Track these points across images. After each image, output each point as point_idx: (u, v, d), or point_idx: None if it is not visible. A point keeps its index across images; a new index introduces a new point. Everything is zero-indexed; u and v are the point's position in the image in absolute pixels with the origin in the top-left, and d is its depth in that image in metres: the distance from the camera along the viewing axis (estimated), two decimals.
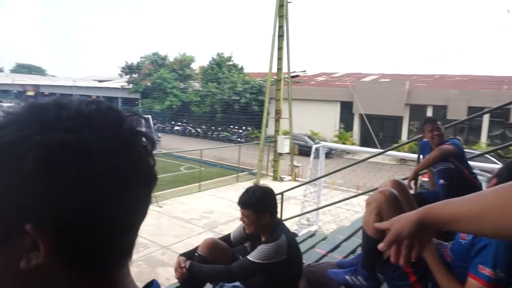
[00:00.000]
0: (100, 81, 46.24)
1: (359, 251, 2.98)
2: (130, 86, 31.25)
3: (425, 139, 3.35)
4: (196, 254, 2.14)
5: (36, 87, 48.59)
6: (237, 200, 2.07)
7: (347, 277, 1.88)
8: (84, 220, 0.37)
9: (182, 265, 2.03)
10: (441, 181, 2.98)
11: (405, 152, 10.12)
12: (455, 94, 18.65)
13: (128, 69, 31.85)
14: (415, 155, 6.94)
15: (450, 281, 1.49)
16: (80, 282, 0.40)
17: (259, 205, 2.00)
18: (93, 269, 0.40)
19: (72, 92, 37.24)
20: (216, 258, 2.13)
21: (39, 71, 78.06)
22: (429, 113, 18.85)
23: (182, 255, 2.15)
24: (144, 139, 0.43)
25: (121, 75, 33.36)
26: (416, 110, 20.02)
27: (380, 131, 20.30)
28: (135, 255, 6.35)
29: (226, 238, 2.30)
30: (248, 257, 1.95)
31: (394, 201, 1.66)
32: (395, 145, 8.09)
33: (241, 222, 2.13)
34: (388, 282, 1.75)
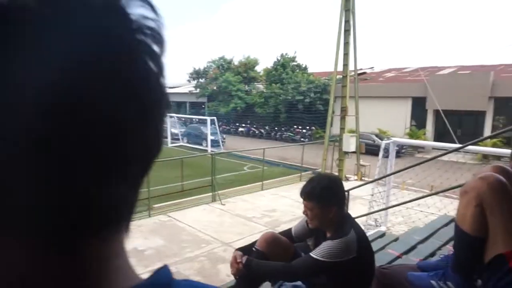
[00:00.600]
0: (170, 87, 48.87)
1: (439, 254, 2.56)
2: (198, 90, 32.57)
3: None
4: (254, 249, 1.96)
5: None
6: (300, 199, 1.84)
7: (433, 282, 1.54)
8: (34, 140, 0.22)
9: (238, 260, 1.85)
10: None
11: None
12: None
13: (196, 74, 33.26)
14: (504, 150, 6.10)
15: None
16: (33, 255, 0.24)
17: (325, 196, 1.75)
18: (52, 240, 0.24)
19: None
20: (275, 254, 1.92)
21: None
22: None
23: (239, 249, 1.97)
24: (147, 30, 0.25)
25: (189, 81, 34.96)
26: (503, 104, 17.92)
27: (457, 128, 18.53)
28: (198, 251, 6.47)
29: (287, 233, 2.09)
30: (311, 254, 1.71)
31: (502, 188, 1.30)
32: (476, 139, 7.15)
33: (304, 216, 1.90)
34: None
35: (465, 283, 1.43)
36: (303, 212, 1.83)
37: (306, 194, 1.78)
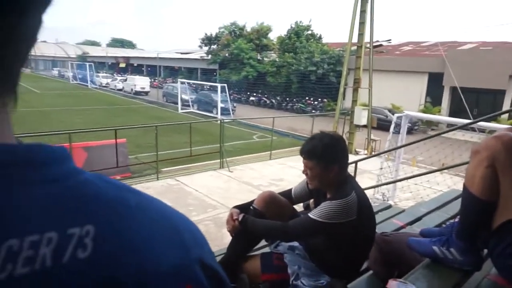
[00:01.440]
0: (182, 53, 48.31)
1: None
2: (209, 57, 32.07)
3: None
4: (251, 207, 1.90)
5: (126, 59, 52.72)
6: None
7: (435, 248, 1.46)
8: None
9: (235, 217, 1.81)
10: None
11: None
12: None
13: (208, 40, 32.65)
14: None
15: None
16: None
17: (326, 155, 1.66)
18: None
19: (156, 63, 39.47)
20: (273, 214, 1.86)
21: (130, 45, 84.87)
22: None
23: (236, 207, 1.92)
24: None
25: (200, 47, 34.44)
26: None
27: (474, 107, 17.99)
28: (204, 215, 6.53)
29: (287, 193, 2.02)
30: (310, 214, 1.64)
31: None
32: (491, 114, 6.90)
33: (304, 177, 1.82)
34: (495, 259, 1.31)
35: (470, 250, 1.36)
36: (303, 172, 1.75)
37: (307, 152, 1.69)
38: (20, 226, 0.26)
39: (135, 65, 51.30)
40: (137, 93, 31.05)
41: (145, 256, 0.31)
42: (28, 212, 0.27)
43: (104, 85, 37.40)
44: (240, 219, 1.78)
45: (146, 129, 10.45)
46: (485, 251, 1.46)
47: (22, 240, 0.25)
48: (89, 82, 37.77)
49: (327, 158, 1.65)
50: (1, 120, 0.28)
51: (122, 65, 51.93)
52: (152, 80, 37.21)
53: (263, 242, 2.14)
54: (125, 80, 34.95)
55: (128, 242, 0.30)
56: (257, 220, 1.77)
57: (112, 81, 37.36)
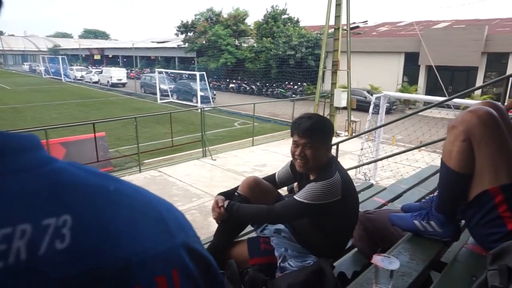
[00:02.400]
0: (158, 42, 47.23)
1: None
2: (186, 45, 31.51)
3: None
4: (236, 193, 1.91)
5: (101, 50, 51.20)
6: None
7: (416, 222, 1.51)
8: None
9: (220, 204, 1.80)
10: None
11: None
12: None
13: (184, 28, 31.99)
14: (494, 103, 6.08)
15: None
16: None
17: (328, 130, 1.70)
18: None
19: (132, 53, 38.52)
20: (258, 199, 1.86)
21: (103, 35, 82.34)
22: (511, 61, 16.61)
23: (221, 194, 1.92)
24: None
25: (177, 35, 33.75)
26: (495, 59, 17.74)
27: (449, 84, 18.44)
28: (189, 204, 6.52)
29: (271, 178, 2.02)
30: (295, 196, 1.66)
31: (491, 122, 1.22)
32: (465, 91, 7.09)
33: (286, 160, 1.83)
34: (472, 229, 1.37)
35: (448, 222, 1.41)
36: (299, 154, 1.68)
37: (311, 130, 1.64)
38: None
39: (110, 56, 49.91)
40: (114, 85, 30.31)
41: (128, 244, 0.30)
42: None
43: (78, 78, 36.29)
44: (225, 205, 1.78)
45: (125, 122, 10.27)
46: (463, 222, 1.52)
47: None
48: (62, 75, 36.57)
49: (326, 134, 1.70)
50: None
51: (97, 57, 50.45)
52: (129, 71, 36.36)
53: (249, 228, 2.16)
54: (101, 72, 34.03)
55: (109, 230, 0.30)
56: (242, 205, 1.78)
57: (87, 73, 36.29)
